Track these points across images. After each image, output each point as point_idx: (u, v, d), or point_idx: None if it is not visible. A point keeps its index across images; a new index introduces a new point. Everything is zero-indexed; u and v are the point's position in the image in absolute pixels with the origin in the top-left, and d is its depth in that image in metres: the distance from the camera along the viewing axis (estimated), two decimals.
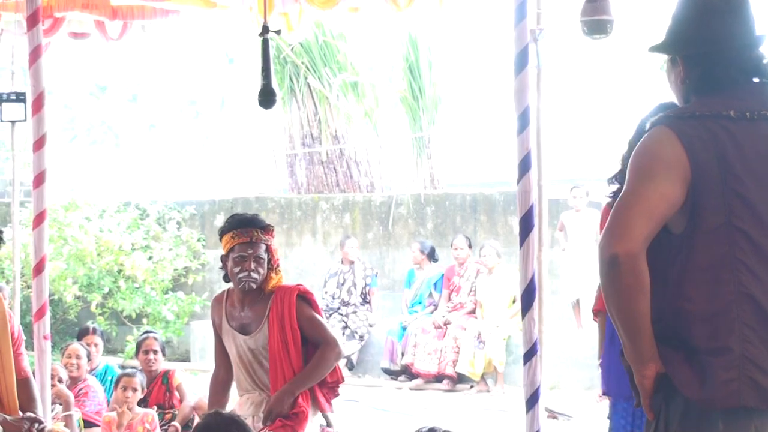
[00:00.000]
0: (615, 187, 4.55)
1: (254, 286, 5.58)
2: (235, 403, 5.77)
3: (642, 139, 3.28)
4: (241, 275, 5.54)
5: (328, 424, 5.87)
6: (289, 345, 5.53)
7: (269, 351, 5.55)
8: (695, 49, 3.32)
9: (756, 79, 3.30)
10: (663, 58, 3.42)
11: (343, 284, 13.38)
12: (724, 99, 3.24)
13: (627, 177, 3.23)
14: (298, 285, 5.75)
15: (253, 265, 5.54)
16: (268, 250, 5.64)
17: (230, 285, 5.75)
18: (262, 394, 5.60)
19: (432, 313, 12.71)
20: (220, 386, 5.84)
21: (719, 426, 3.14)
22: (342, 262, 13.54)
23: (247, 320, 5.64)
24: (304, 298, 5.66)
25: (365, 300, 13.34)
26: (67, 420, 7.15)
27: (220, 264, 5.76)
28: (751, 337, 3.11)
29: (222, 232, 5.70)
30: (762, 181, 3.16)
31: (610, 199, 4.50)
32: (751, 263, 3.13)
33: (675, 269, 3.17)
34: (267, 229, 5.70)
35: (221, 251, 5.77)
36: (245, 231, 5.60)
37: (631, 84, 14.95)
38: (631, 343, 3.21)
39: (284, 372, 5.52)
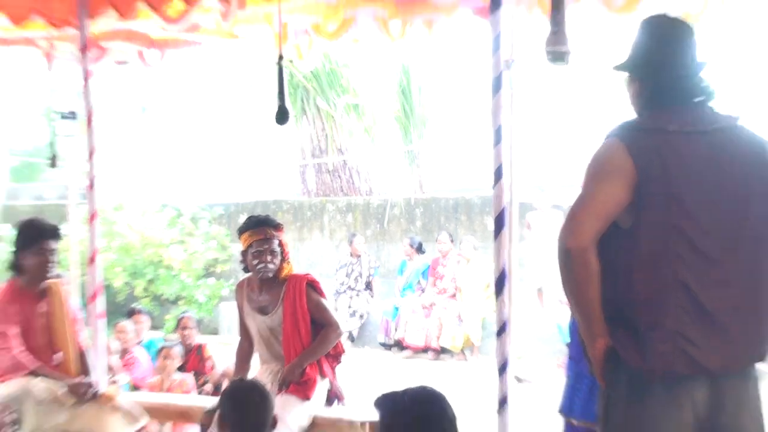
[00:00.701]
0: None
1: (270, 274, 5.60)
2: (257, 371, 5.80)
3: (597, 149, 3.28)
4: (259, 266, 5.57)
5: (338, 396, 5.88)
6: (299, 324, 5.56)
7: (283, 329, 5.59)
8: (648, 71, 3.35)
9: (697, 99, 3.31)
10: (624, 76, 3.43)
11: (351, 273, 13.53)
12: (669, 115, 3.25)
13: (582, 180, 3.25)
14: (307, 274, 5.76)
15: (268, 258, 5.57)
16: (280, 244, 5.67)
17: (249, 275, 5.77)
18: (278, 364, 5.63)
19: (420, 296, 12.75)
20: (243, 356, 5.88)
21: (659, 389, 3.16)
22: (351, 255, 13.66)
23: (265, 303, 5.67)
24: (313, 285, 5.69)
25: (368, 287, 13.47)
26: (114, 385, 7.17)
27: (241, 258, 5.78)
28: (683, 317, 3.12)
29: (240, 232, 5.72)
30: (697, 185, 3.16)
31: None
32: (686, 256, 3.14)
33: (623, 259, 3.18)
34: (278, 227, 5.73)
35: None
36: (260, 230, 5.62)
37: (593, 103, 14.97)
38: (584, 322, 3.25)
39: (295, 346, 5.56)
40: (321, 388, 5.63)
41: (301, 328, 5.58)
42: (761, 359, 3.27)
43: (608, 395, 3.29)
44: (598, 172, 3.22)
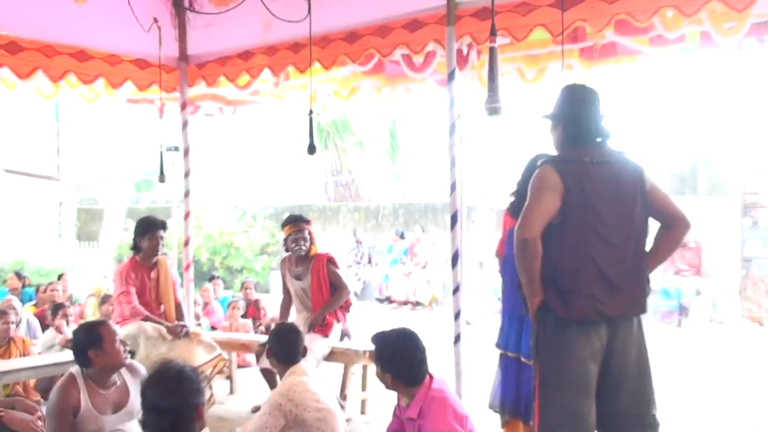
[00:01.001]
0: (512, 199, 4.46)
1: (303, 253, 5.59)
2: (294, 317, 5.77)
3: (536, 172, 3.29)
4: (295, 248, 5.58)
5: (348, 335, 5.88)
6: (322, 287, 5.56)
7: (311, 290, 5.57)
8: (568, 120, 3.34)
9: (599, 139, 3.33)
10: (549, 123, 3.44)
11: (357, 254, 13.55)
12: (582, 150, 3.28)
13: (528, 194, 3.25)
14: (327, 253, 5.74)
15: (301, 242, 5.57)
16: (309, 233, 5.65)
17: (289, 254, 5.74)
18: (308, 313, 5.62)
19: (402, 267, 12.72)
20: (285, 307, 5.86)
21: (575, 328, 3.19)
22: (356, 242, 13.69)
23: (299, 272, 5.64)
24: (331, 261, 5.67)
25: (369, 261, 13.46)
26: (199, 326, 7.16)
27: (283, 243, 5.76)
28: (594, 283, 3.17)
29: (283, 225, 5.72)
30: (603, 197, 3.21)
31: (508, 206, 4.45)
32: (595, 241, 3.18)
33: (555, 245, 3.19)
34: (308, 221, 5.74)
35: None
36: (295, 224, 5.63)
37: (514, 140, 14.97)
38: (528, 285, 3.23)
39: (319, 302, 5.55)
40: (336, 329, 5.62)
41: (323, 290, 5.57)
42: (643, 311, 3.32)
43: (538, 332, 3.28)
44: (540, 187, 3.22)
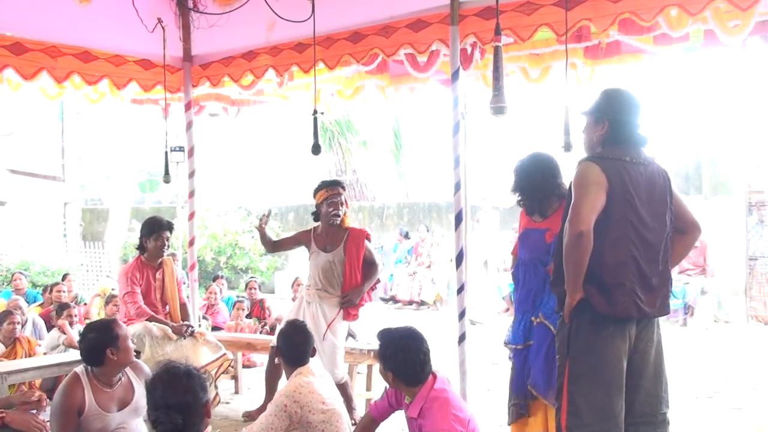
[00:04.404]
0: (516, 196, 4.38)
1: (338, 221, 5.27)
2: (302, 290, 5.51)
3: (578, 169, 3.28)
4: (331, 212, 5.23)
5: (352, 335, 5.81)
6: (359, 263, 5.26)
7: (345, 268, 5.23)
8: (615, 119, 3.33)
9: (638, 143, 3.35)
10: (588, 120, 3.43)
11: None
12: (622, 150, 3.31)
13: (574, 190, 3.23)
14: (363, 229, 5.43)
15: (339, 207, 5.25)
16: (345, 199, 5.36)
17: (317, 225, 5.42)
18: (330, 290, 5.27)
19: (407, 267, 12.74)
20: (276, 243, 5.75)
21: (611, 325, 3.21)
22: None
23: (328, 243, 5.32)
24: (368, 238, 5.38)
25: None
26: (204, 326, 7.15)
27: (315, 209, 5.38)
28: (635, 279, 3.20)
29: (318, 189, 5.35)
30: (642, 196, 3.25)
31: (519, 205, 4.37)
32: (635, 239, 3.22)
33: (598, 241, 3.19)
34: (344, 186, 5.43)
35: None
36: (332, 187, 5.33)
37: (518, 139, 14.96)
38: (574, 280, 3.21)
39: (351, 281, 5.25)
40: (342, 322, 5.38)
41: (357, 268, 5.27)
42: (668, 312, 3.38)
43: (570, 327, 3.28)
44: (587, 183, 3.21)
